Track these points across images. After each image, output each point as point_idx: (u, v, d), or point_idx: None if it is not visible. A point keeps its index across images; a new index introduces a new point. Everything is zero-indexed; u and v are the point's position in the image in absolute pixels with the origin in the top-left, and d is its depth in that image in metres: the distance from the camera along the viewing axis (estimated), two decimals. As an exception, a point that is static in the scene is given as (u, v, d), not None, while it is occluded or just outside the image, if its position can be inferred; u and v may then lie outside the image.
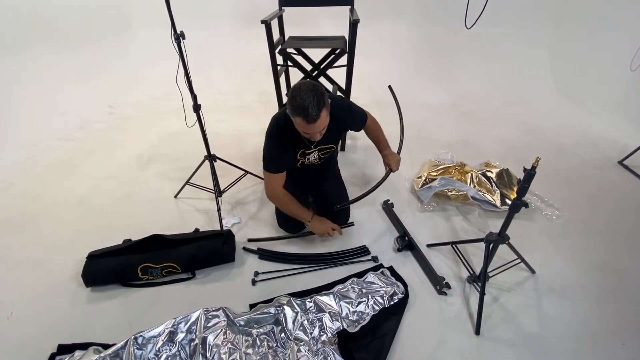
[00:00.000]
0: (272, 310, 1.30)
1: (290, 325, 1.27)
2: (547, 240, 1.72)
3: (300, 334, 1.25)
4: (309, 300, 1.36)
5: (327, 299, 1.37)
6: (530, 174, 1.09)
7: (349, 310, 1.34)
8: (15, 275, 1.54)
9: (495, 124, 2.94)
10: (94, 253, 1.48)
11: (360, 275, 1.50)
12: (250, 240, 1.71)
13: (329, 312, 1.32)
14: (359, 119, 1.63)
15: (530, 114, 3.06)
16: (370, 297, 1.38)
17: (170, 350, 1.17)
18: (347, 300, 1.36)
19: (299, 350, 1.20)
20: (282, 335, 1.24)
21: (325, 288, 1.45)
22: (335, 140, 1.62)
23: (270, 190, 1.58)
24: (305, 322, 1.28)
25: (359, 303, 1.36)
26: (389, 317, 1.32)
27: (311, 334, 1.26)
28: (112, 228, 1.79)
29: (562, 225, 1.81)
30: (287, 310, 1.30)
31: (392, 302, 1.37)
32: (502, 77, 3.56)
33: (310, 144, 1.52)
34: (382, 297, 1.38)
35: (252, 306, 1.37)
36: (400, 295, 1.40)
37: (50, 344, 1.24)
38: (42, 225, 1.83)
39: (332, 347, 1.23)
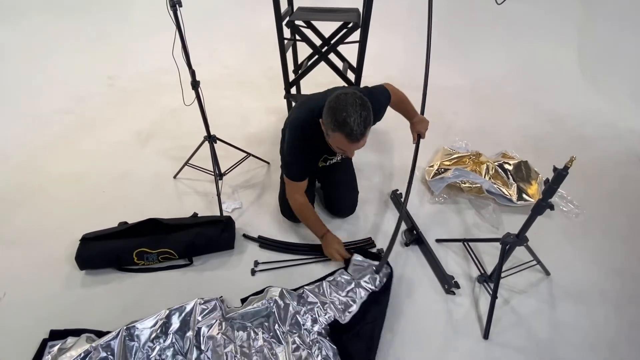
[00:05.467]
0: (265, 303, 1.24)
1: (283, 317, 1.22)
2: (565, 239, 1.62)
3: (294, 326, 1.21)
4: (300, 291, 1.32)
5: (317, 290, 1.32)
6: (561, 174, 0.97)
7: (339, 299, 1.29)
8: (8, 255, 1.50)
9: (514, 110, 2.77)
10: (88, 236, 1.42)
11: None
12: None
13: (321, 302, 1.27)
14: (383, 106, 1.44)
15: (551, 101, 2.87)
16: (358, 283, 1.33)
17: (163, 342, 1.13)
18: (337, 289, 1.32)
19: (293, 342, 1.16)
20: (276, 327, 1.20)
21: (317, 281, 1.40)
22: None
23: (291, 198, 1.46)
24: (298, 314, 1.23)
25: (349, 291, 1.31)
26: (378, 299, 1.28)
27: (303, 325, 1.22)
28: (108, 208, 1.73)
29: (581, 224, 1.70)
30: (280, 302, 1.24)
31: (381, 284, 1.33)
32: (523, 59, 3.30)
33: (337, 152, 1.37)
34: (370, 280, 1.33)
35: (243, 300, 1.32)
36: (384, 277, 1.35)
37: (43, 328, 1.20)
38: (38, 202, 1.77)
39: (326, 338, 1.19)
